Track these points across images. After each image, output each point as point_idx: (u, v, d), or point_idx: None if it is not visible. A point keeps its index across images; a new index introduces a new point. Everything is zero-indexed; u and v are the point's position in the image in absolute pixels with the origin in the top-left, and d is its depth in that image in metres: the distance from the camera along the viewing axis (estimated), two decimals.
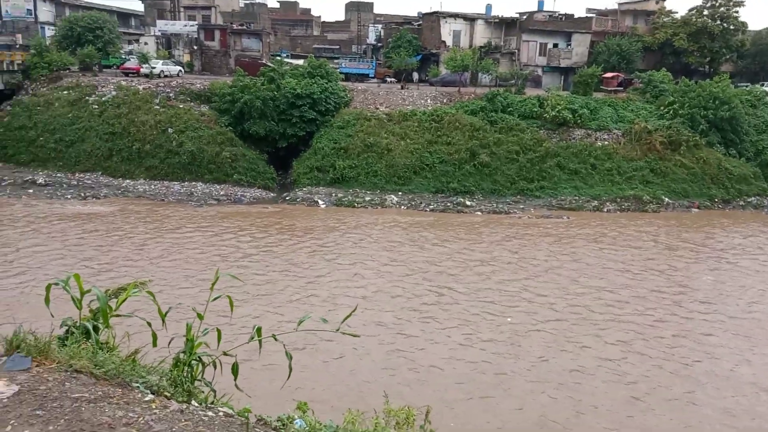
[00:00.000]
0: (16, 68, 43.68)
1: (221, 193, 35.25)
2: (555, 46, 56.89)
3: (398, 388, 14.40)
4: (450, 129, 39.06)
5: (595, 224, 32.73)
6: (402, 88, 46.37)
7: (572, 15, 62.94)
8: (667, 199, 37.61)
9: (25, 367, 4.07)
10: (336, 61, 57.01)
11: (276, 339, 5.14)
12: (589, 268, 25.17)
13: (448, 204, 35.28)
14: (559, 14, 63.09)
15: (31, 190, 34.00)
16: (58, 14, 60.84)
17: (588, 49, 56.58)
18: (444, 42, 56.79)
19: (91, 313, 5.24)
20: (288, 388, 7.04)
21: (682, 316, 20.40)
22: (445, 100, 42.82)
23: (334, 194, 35.64)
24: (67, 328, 5.12)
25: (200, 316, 5.44)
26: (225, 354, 5.06)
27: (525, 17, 59.89)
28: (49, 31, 56.94)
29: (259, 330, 5.15)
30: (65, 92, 40.68)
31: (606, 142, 40.23)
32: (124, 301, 5.13)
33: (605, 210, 36.09)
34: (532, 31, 56.85)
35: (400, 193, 36.27)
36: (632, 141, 40.20)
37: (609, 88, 49.12)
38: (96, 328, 5.00)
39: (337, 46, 72.61)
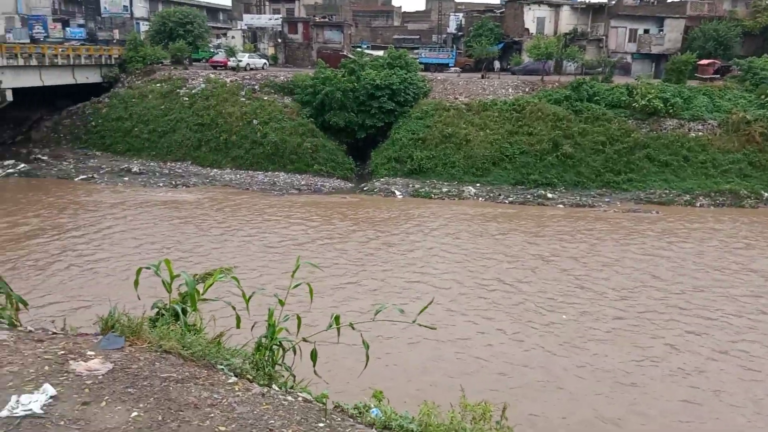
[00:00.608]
0: (113, 62, 46.29)
1: (302, 183, 36.07)
2: (646, 31, 54.05)
3: (472, 381, 14.27)
4: (532, 119, 38.09)
5: (686, 219, 30.99)
6: (482, 77, 45.61)
7: None
8: (766, 194, 35.06)
9: (119, 346, 4.31)
10: (415, 51, 56.80)
11: (353, 327, 5.20)
12: (672, 265, 23.89)
13: (528, 196, 34.46)
14: None
15: (126, 178, 36.09)
16: (152, 10, 63.98)
17: (682, 35, 53.34)
18: (527, 29, 55.33)
19: (180, 297, 5.49)
20: (364, 377, 7.11)
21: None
22: (527, 89, 41.76)
23: (411, 185, 35.64)
24: (157, 310, 5.39)
25: (281, 302, 5.57)
26: (304, 340, 5.17)
27: (614, 2, 57.30)
28: (144, 27, 60.01)
29: (337, 318, 5.23)
30: (158, 85, 42.84)
31: (700, 133, 37.92)
32: (210, 285, 5.34)
33: (698, 205, 34.07)
34: (622, 17, 54.27)
35: (478, 184, 35.79)
36: (729, 132, 37.66)
37: (704, 76, 46.16)
38: (184, 311, 5.24)
39: (417, 36, 72.33)
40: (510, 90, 41.79)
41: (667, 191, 35.16)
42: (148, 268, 5.07)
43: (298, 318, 5.34)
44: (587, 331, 17.85)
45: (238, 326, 5.60)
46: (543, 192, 34.80)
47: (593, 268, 23.33)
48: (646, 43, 53.73)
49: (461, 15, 66.88)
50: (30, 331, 4.65)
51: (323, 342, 5.18)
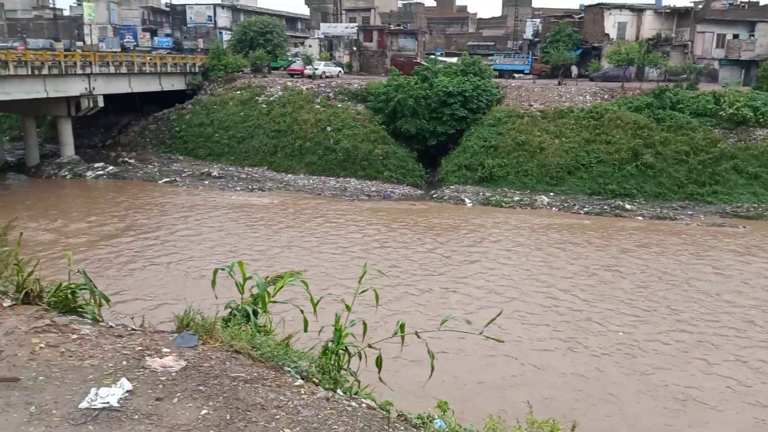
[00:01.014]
0: (197, 70, 48.42)
1: (372, 189, 36.38)
2: (735, 36, 51.22)
3: (538, 396, 13.90)
4: (610, 127, 36.83)
5: None
6: (559, 83, 44.57)
7: (756, 2, 56.26)
8: None
9: (193, 344, 4.45)
10: (490, 57, 56.22)
11: (419, 336, 5.16)
12: (749, 285, 22.40)
13: (605, 207, 33.29)
14: (741, 2, 56.70)
15: (206, 182, 37.57)
16: (234, 20, 66.46)
17: None
18: (607, 35, 53.64)
19: (252, 298, 5.63)
20: (428, 386, 7.03)
21: None
22: (606, 96, 40.45)
23: (481, 193, 35.22)
24: (230, 310, 5.55)
25: (348, 308, 5.60)
26: (369, 346, 5.18)
27: (701, 6, 54.65)
28: (226, 36, 62.41)
29: (402, 326, 5.20)
30: (238, 92, 44.43)
31: None
32: (281, 288, 5.45)
33: None
34: (709, 21, 51.65)
35: (551, 193, 34.93)
36: None
37: None
38: (255, 312, 5.37)
39: (492, 43, 71.61)
40: (588, 97, 40.62)
41: (756, 205, 33.09)
42: (223, 269, 5.23)
43: (364, 324, 5.36)
44: (650, 347, 17.02)
45: (305, 330, 5.68)
46: (621, 203, 33.54)
47: (674, 285, 22.24)
48: (735, 49, 50.91)
49: (538, 21, 65.70)
50: (111, 327, 4.88)
51: (388, 349, 5.17)
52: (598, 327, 18.31)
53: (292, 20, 77.21)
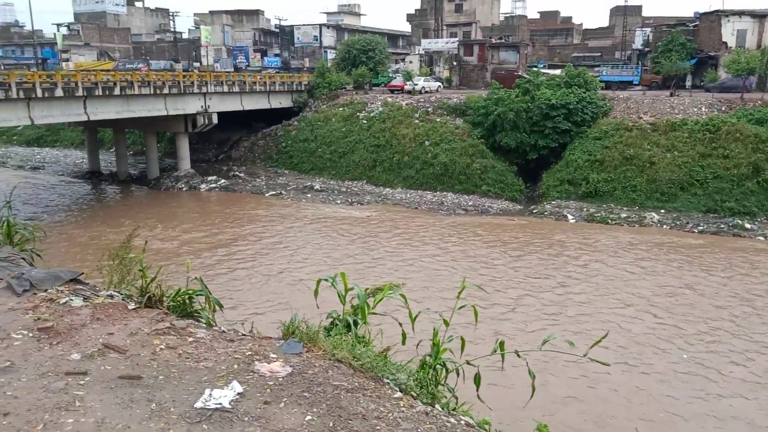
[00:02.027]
0: (303, 88, 50.48)
1: (469, 203, 36.08)
2: None
3: (645, 424, 13.13)
4: (728, 140, 34.35)
5: None
6: (671, 95, 42.26)
7: None
8: None
9: (298, 351, 4.64)
10: (596, 69, 54.35)
11: (519, 355, 5.08)
12: None
13: (722, 226, 31.01)
14: None
15: (309, 195, 38.90)
16: (339, 39, 68.65)
17: None
18: (725, 43, 50.30)
19: (352, 309, 5.78)
20: (528, 408, 6.88)
21: None
22: (723, 108, 37.84)
23: (585, 209, 33.93)
24: (332, 320, 5.72)
25: (446, 323, 5.61)
26: (468, 363, 5.16)
27: None
28: (331, 55, 64.60)
29: (501, 344, 5.14)
30: (341, 109, 45.80)
31: None
32: (380, 300, 5.56)
33: None
34: None
35: (662, 210, 33.03)
36: None
37: None
38: (356, 323, 5.51)
39: (599, 54, 69.25)
40: (703, 108, 38.19)
41: None
42: (326, 280, 5.41)
43: (462, 340, 5.35)
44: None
45: (403, 342, 5.74)
46: (740, 222, 31.11)
47: None
48: None
49: (648, 30, 62.76)
50: (223, 332, 5.19)
51: (486, 366, 5.12)
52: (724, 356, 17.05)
53: (393, 37, 78.59)
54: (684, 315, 19.96)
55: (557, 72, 46.41)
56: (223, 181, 41.77)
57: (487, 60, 57.00)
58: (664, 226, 31.44)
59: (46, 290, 5.54)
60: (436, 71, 58.85)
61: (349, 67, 53.50)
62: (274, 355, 4.56)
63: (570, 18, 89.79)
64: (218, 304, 5.68)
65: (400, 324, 5.69)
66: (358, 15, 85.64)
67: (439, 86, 51.11)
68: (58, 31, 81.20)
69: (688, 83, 49.24)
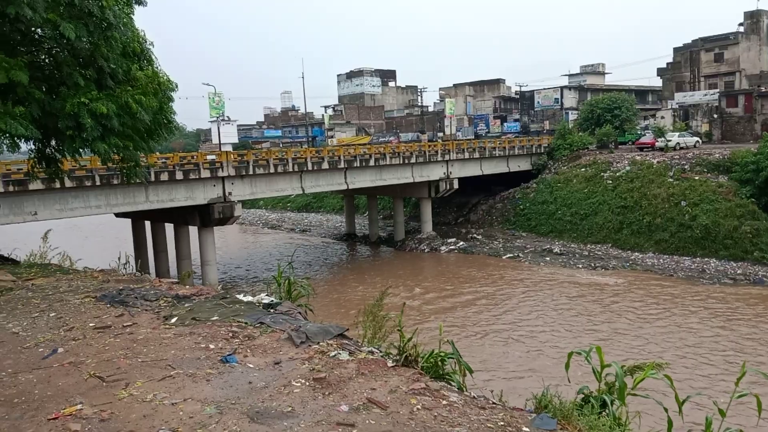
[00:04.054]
0: (542, 151, 50.19)
1: (738, 271, 31.53)
2: None
3: None
4: None
5: None
6: None
7: None
8: None
9: (551, 428, 4.46)
10: None
11: None
12: None
13: None
14: None
15: (548, 258, 37.82)
16: (581, 99, 67.14)
17: None
18: None
19: (606, 386, 5.42)
20: None
21: None
22: None
23: None
24: (584, 396, 5.43)
25: (722, 413, 4.98)
26: None
27: None
28: (572, 116, 63.36)
29: None
30: (582, 169, 44.30)
31: None
32: (641, 380, 5.14)
33: None
34: None
35: None
36: None
37: None
38: (612, 402, 5.15)
39: None
40: None
41: None
42: (578, 353, 5.19)
43: None
44: None
45: (669, 430, 5.19)
46: None
47: None
48: None
49: None
50: (474, 397, 5.24)
51: None
52: None
53: (641, 93, 74.32)
54: None
55: None
56: (461, 243, 42.87)
57: (755, 111, 50.50)
58: None
59: (318, 343, 6.23)
60: (692, 126, 53.84)
61: (592, 126, 51.83)
62: (527, 429, 4.45)
63: None
64: (468, 369, 5.78)
65: (665, 409, 5.17)
66: (603, 74, 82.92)
67: (697, 141, 46.56)
68: (326, 112, 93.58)
69: None
